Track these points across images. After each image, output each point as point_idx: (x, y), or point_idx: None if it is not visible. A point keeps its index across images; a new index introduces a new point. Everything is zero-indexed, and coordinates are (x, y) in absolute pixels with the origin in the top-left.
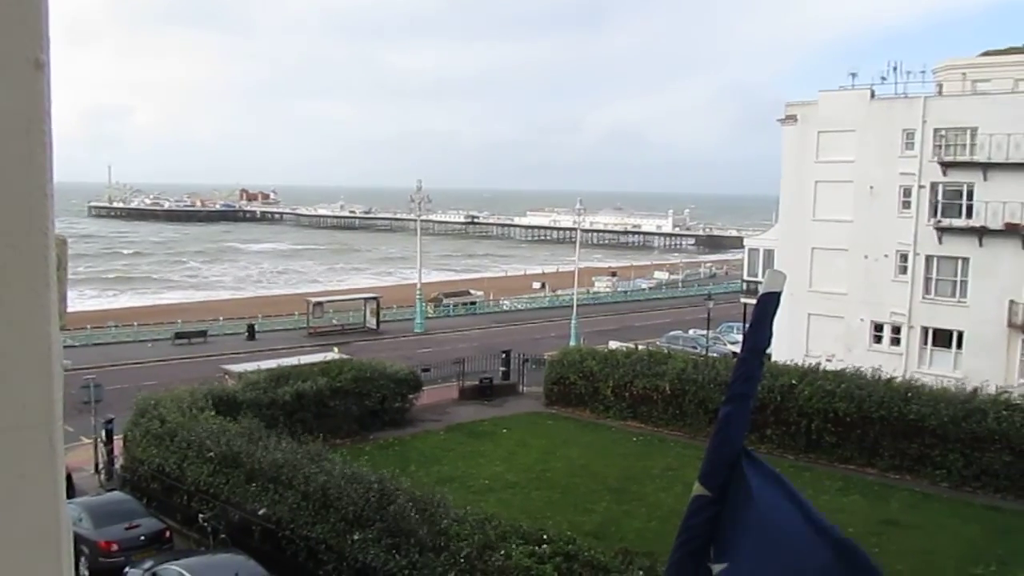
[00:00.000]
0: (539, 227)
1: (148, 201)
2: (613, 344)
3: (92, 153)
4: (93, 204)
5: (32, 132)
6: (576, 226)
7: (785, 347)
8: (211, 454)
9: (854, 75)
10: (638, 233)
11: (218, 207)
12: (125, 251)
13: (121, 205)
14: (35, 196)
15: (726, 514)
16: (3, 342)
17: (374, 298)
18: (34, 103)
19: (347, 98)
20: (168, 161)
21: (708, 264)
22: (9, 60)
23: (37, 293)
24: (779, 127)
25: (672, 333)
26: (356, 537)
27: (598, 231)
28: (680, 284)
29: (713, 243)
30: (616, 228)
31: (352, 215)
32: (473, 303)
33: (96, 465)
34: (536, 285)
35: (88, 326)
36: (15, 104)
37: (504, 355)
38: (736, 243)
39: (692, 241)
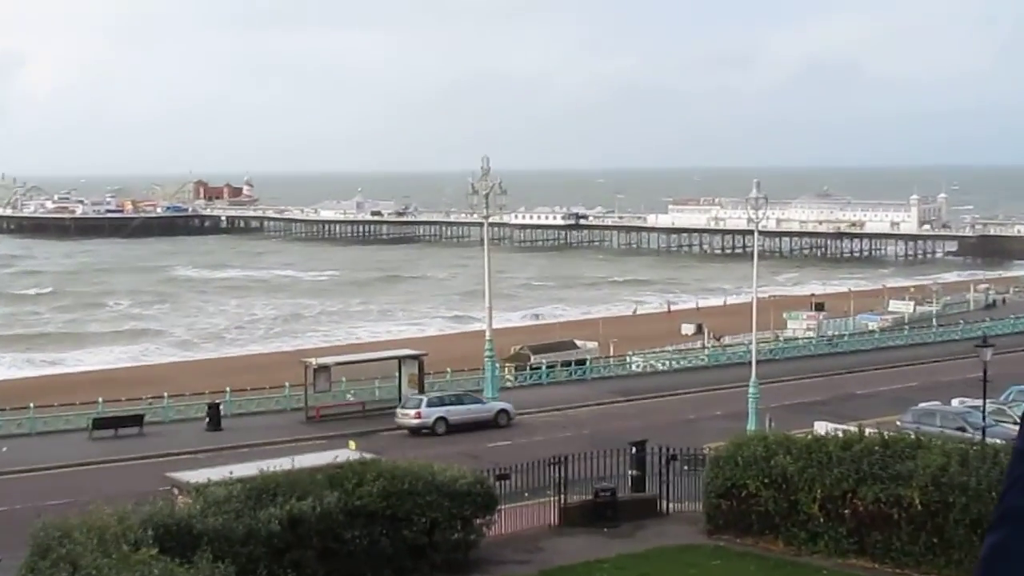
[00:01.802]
0: (689, 230)
1: (51, 205)
2: (821, 426)
3: None
4: None
5: None
6: (753, 226)
7: None
8: None
9: None
10: (860, 236)
11: (161, 211)
12: (12, 290)
13: (9, 212)
14: None
15: None
16: None
17: (415, 357)
18: None
19: (370, 27)
20: (82, 142)
21: (983, 286)
22: None
23: None
24: None
25: (923, 405)
26: None
27: (791, 235)
28: (935, 321)
29: (991, 249)
30: (822, 229)
31: (377, 219)
32: (581, 362)
33: None
34: (688, 329)
35: None
36: None
37: (635, 450)
38: None
39: (954, 247)
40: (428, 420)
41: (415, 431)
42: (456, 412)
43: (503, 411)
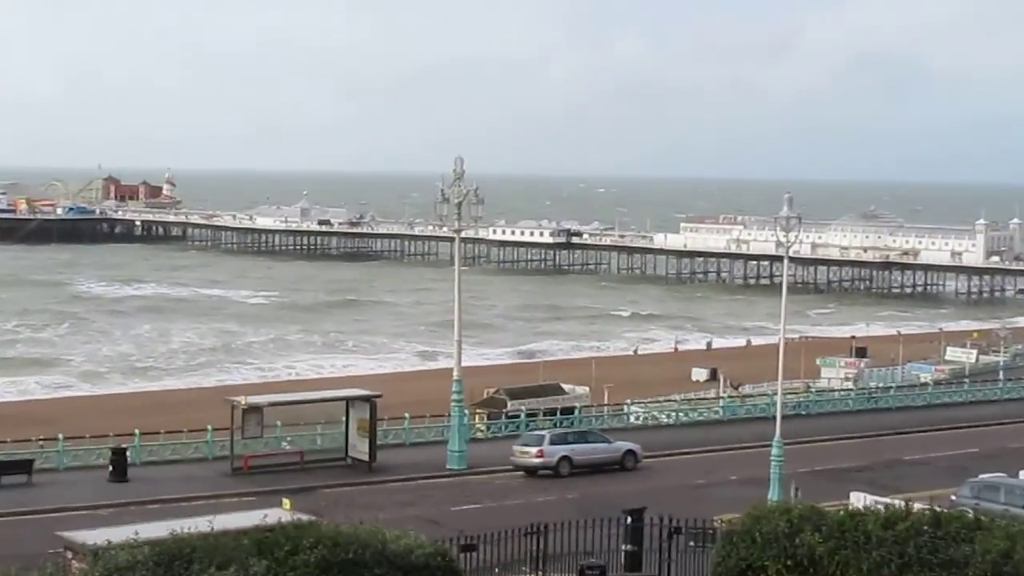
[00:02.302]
0: (705, 254)
1: None
2: (858, 499)
3: None
4: None
5: None
6: (782, 252)
7: None
8: None
9: None
10: (913, 267)
11: (62, 213)
12: None
13: None
14: None
15: None
16: None
17: (367, 399)
18: None
19: (322, 1)
20: None
21: None
22: None
23: None
24: None
25: (984, 477)
26: None
27: (828, 263)
28: (1002, 373)
29: None
30: (866, 258)
31: (325, 230)
32: (568, 411)
33: None
34: (700, 375)
35: None
36: None
37: (631, 519)
38: None
39: None
40: (551, 460)
41: (533, 471)
42: (581, 452)
43: (630, 452)
